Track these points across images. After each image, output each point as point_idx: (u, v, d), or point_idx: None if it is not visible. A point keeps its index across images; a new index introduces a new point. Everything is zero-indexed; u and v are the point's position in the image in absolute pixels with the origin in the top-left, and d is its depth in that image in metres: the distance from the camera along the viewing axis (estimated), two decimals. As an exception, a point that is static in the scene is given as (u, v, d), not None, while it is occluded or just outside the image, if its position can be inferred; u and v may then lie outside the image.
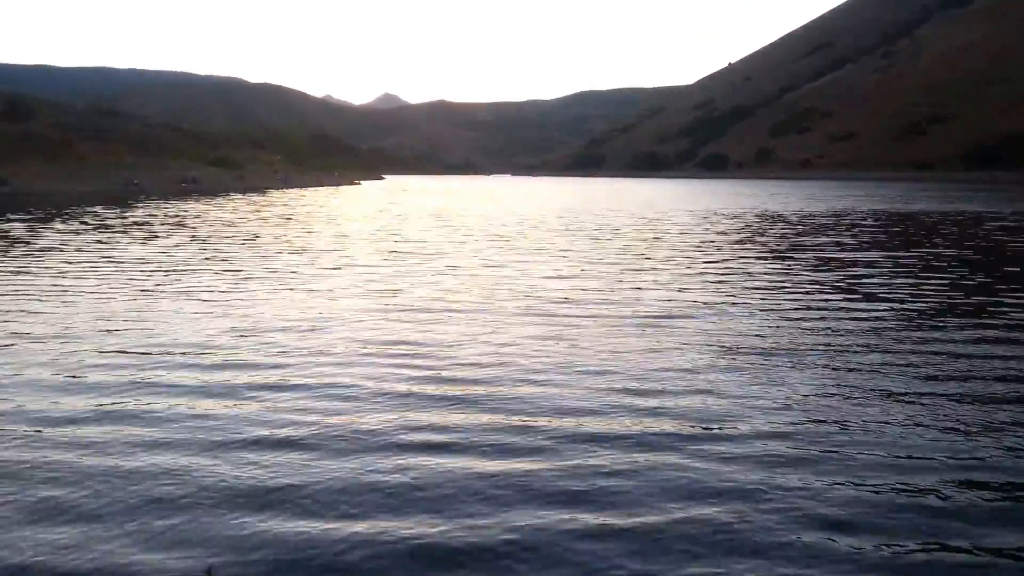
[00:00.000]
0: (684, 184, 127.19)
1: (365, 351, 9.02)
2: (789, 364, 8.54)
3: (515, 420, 6.67)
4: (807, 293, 13.54)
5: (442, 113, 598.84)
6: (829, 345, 9.47)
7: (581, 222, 32.40)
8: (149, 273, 15.47)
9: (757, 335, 10.01)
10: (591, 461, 5.78)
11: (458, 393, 7.41)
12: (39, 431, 6.26)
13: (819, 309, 11.94)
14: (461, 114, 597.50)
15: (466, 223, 31.78)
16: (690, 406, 7.06)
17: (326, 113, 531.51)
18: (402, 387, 7.59)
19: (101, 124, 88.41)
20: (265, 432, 6.30)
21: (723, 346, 9.38)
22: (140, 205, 41.90)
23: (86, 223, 28.70)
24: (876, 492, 5.31)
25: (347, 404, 7.06)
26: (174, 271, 15.84)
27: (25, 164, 59.28)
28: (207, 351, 8.91)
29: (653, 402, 7.16)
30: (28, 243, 21.09)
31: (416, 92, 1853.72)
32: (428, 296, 12.93)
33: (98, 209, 37.32)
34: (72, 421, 6.50)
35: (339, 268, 16.69)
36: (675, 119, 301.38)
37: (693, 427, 6.51)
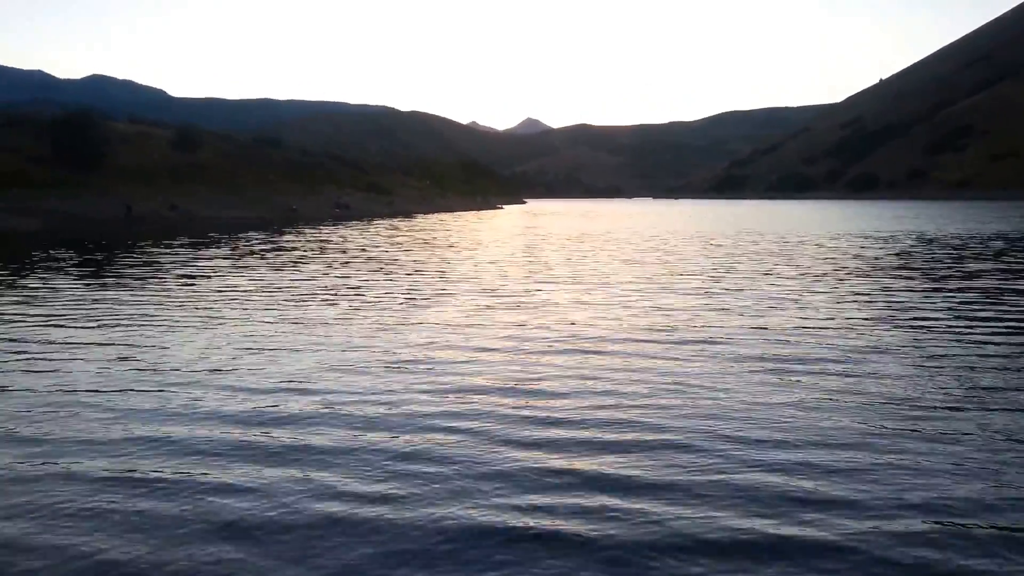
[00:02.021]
0: (833, 206, 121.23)
1: (470, 392, 8.44)
2: (959, 422, 7.36)
3: (616, 503, 5.94)
4: (979, 331, 12.00)
5: (584, 137, 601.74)
6: (1007, 398, 8.17)
7: (722, 246, 30.98)
8: (271, 300, 15.66)
9: (919, 386, 8.79)
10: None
11: (572, 468, 6.57)
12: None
13: (994, 351, 10.50)
14: (603, 137, 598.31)
15: (604, 249, 31.07)
16: (846, 474, 6.10)
17: (471, 139, 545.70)
18: (503, 447, 6.98)
19: (263, 153, 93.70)
20: (341, 504, 5.88)
21: (879, 397, 8.24)
22: (290, 230, 43.75)
23: (236, 247, 30.06)
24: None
25: (437, 468, 6.33)
26: (298, 299, 15.92)
27: (194, 191, 63.47)
28: (301, 389, 8.59)
29: (798, 471, 6.23)
30: (175, 268, 22.11)
31: (558, 116, 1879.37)
32: (554, 328, 12.36)
33: (251, 233, 39.20)
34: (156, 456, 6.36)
35: (465, 295, 16.37)
36: (822, 139, 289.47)
37: (842, 502, 5.56)
